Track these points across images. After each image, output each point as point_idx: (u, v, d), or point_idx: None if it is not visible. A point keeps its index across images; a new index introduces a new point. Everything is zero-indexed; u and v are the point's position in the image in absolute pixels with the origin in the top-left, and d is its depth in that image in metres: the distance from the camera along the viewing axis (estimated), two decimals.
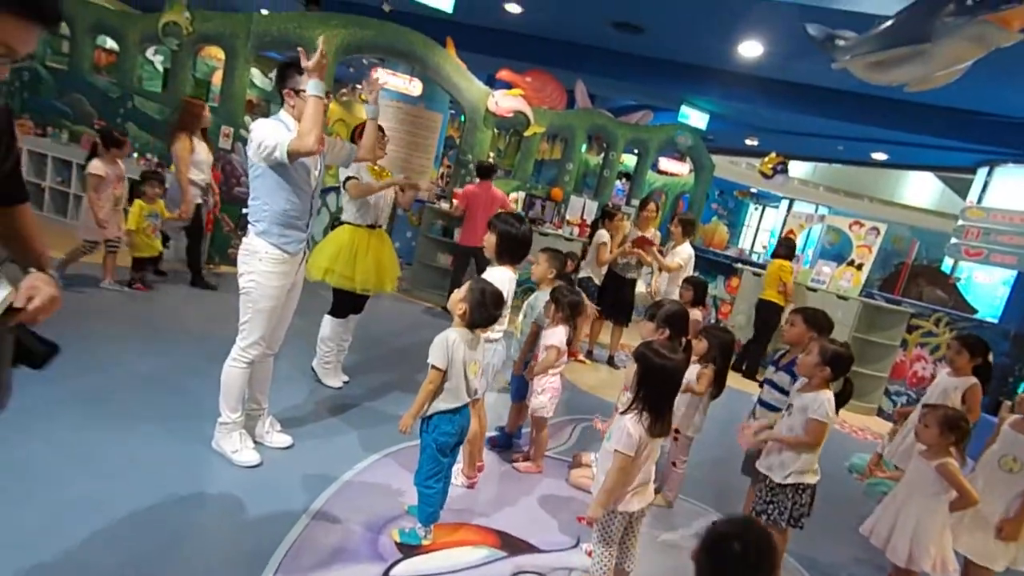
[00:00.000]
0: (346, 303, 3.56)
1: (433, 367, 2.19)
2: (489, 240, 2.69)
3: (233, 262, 5.88)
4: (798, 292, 6.00)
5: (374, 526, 2.38)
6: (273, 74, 9.90)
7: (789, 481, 2.41)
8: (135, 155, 5.85)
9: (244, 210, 2.60)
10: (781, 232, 7.54)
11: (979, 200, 8.29)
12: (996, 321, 6.08)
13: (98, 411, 2.77)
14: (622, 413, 2.05)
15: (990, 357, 3.41)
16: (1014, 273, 6.02)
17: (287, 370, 3.56)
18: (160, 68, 7.66)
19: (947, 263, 8.60)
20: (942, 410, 2.47)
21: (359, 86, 11.36)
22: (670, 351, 2.05)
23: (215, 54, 7.74)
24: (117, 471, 2.38)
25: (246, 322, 2.52)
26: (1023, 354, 5.75)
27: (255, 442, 2.71)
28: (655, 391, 1.99)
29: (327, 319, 3.57)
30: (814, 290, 6.12)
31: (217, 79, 7.35)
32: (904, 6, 3.55)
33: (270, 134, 2.36)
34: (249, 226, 2.50)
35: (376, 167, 3.57)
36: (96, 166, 4.47)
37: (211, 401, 2.63)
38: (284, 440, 2.82)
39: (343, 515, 2.41)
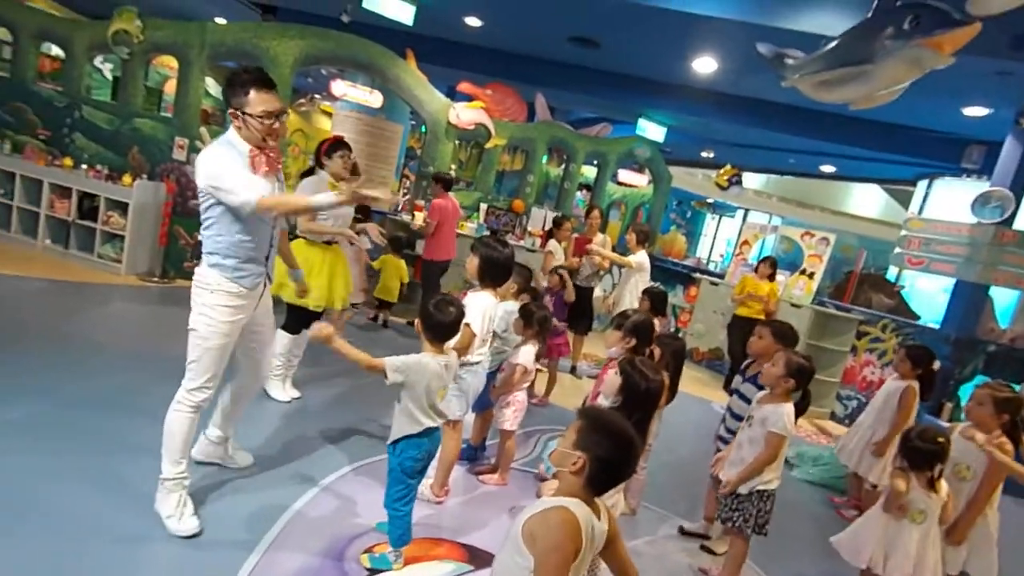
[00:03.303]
0: (300, 319, 3.50)
1: (386, 369, 2.09)
2: (472, 263, 2.68)
3: (190, 275, 5.78)
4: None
5: (338, 545, 2.33)
6: None
7: (755, 488, 2.47)
8: (84, 167, 5.63)
9: (199, 235, 2.32)
10: (737, 241, 7.77)
11: (920, 211, 8.75)
12: (938, 326, 6.39)
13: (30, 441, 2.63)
14: None
15: (934, 366, 3.58)
16: (953, 281, 6.35)
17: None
18: (109, 76, 7.40)
19: (892, 271, 9.02)
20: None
21: (317, 96, 11.21)
22: (653, 372, 2.09)
23: (167, 63, 7.52)
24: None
25: (194, 362, 2.23)
26: (963, 357, 6.06)
27: (212, 464, 2.61)
28: (638, 409, 2.03)
29: (280, 334, 3.50)
30: (797, 306, 6.22)
31: (170, 88, 7.15)
32: (848, 29, 3.75)
33: (231, 178, 2.08)
34: (203, 256, 2.25)
35: (337, 185, 3.50)
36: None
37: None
38: (246, 459, 2.75)
39: (306, 535, 2.35)
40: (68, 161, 5.67)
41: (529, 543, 1.30)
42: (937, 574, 2.42)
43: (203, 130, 5.80)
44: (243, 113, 2.13)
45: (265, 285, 2.38)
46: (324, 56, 6.06)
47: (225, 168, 2.11)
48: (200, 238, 2.27)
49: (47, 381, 3.16)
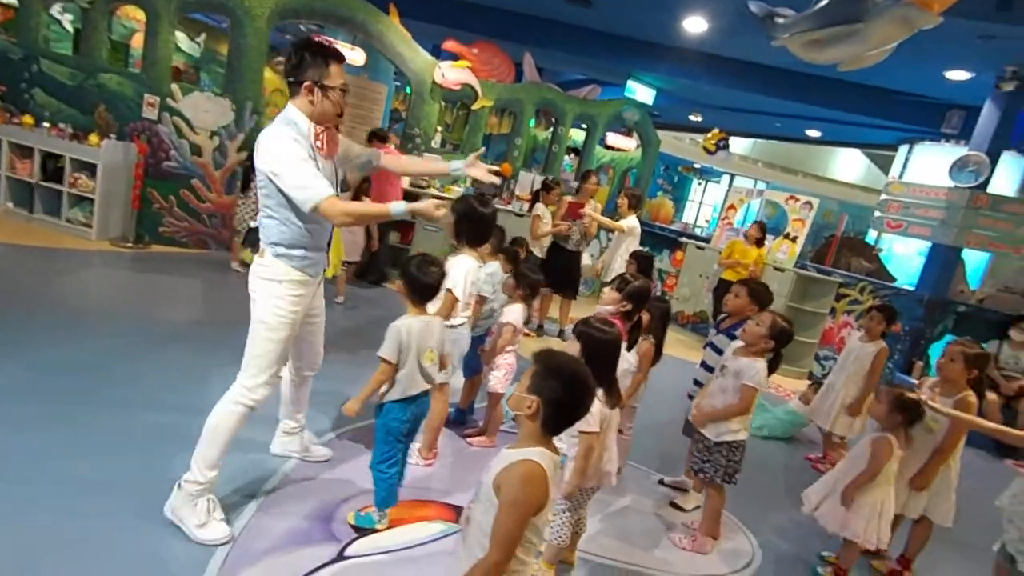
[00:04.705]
0: None
1: (382, 360, 2.16)
2: (448, 221, 2.62)
3: (166, 241, 5.65)
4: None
5: (328, 507, 2.35)
6: (202, 38, 9.26)
7: (723, 439, 2.54)
8: (45, 125, 5.37)
9: (252, 224, 2.23)
10: (723, 205, 7.80)
11: (900, 175, 8.83)
12: (912, 288, 6.54)
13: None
14: None
15: (895, 326, 3.78)
16: (929, 244, 6.47)
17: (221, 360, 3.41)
18: (70, 28, 6.99)
19: (872, 235, 9.16)
20: (898, 390, 2.57)
21: None
22: (606, 324, 2.10)
23: (134, 14, 7.13)
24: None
25: (258, 356, 2.09)
26: (935, 318, 6.24)
27: (291, 457, 2.60)
28: (602, 365, 2.04)
29: None
30: (780, 269, 6.30)
31: (137, 42, 6.80)
32: None
33: (296, 170, 1.93)
34: (264, 246, 2.11)
35: None
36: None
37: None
38: (324, 452, 2.70)
39: (295, 499, 2.36)
40: (28, 119, 5.38)
41: (498, 496, 1.35)
42: None
43: (175, 87, 5.55)
44: (323, 86, 2.00)
45: (322, 272, 2.32)
46: (302, 9, 5.80)
47: (290, 155, 1.94)
48: (258, 225, 2.15)
49: (21, 347, 3.08)
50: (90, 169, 5.27)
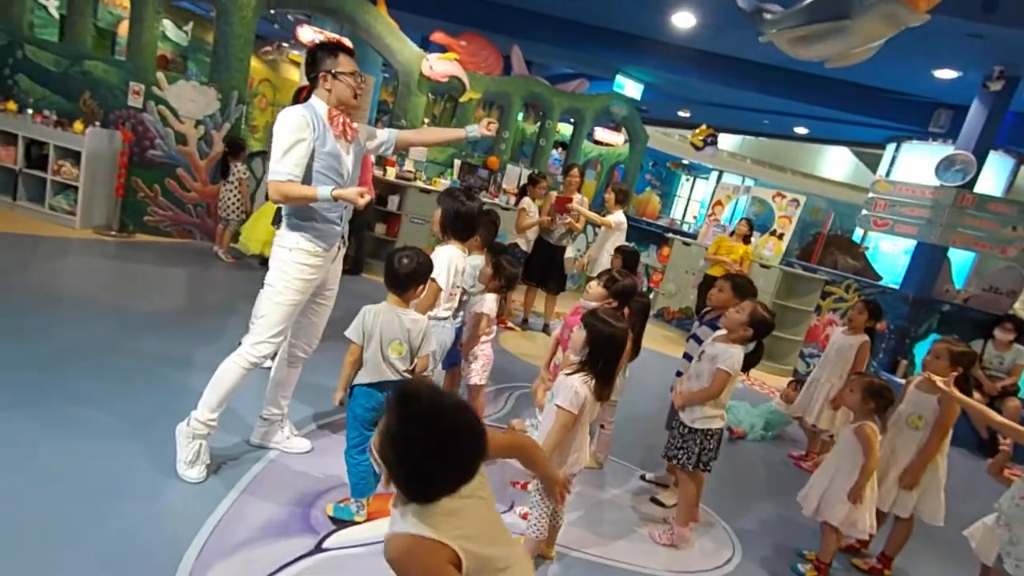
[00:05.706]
0: None
1: (350, 339, 2.21)
2: (435, 215, 2.67)
3: (150, 230, 5.59)
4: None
5: (306, 499, 2.34)
6: (189, 27, 9.15)
7: (697, 426, 2.55)
8: (29, 112, 5.29)
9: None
10: (711, 201, 7.82)
11: (887, 174, 8.89)
12: (898, 287, 6.59)
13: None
14: (569, 374, 2.10)
15: (879, 324, 3.81)
16: (915, 243, 6.52)
17: (196, 345, 3.39)
18: (55, 14, 6.89)
19: (858, 233, 9.23)
20: (868, 378, 2.61)
21: (285, 44, 10.69)
22: (616, 319, 2.10)
23: (119, 1, 7.03)
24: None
25: (263, 316, 2.31)
26: (920, 317, 6.30)
27: (269, 447, 2.64)
28: (604, 357, 2.05)
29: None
30: (767, 266, 6.34)
31: (123, 30, 6.71)
32: None
33: (278, 147, 2.18)
34: (283, 217, 2.35)
35: None
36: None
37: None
38: (304, 445, 2.69)
39: (273, 490, 2.35)
40: (12, 105, 5.30)
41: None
42: None
43: (161, 75, 5.48)
44: (334, 73, 2.27)
45: (340, 248, 2.47)
46: None
47: (283, 135, 2.18)
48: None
49: (2, 332, 3.04)
50: (74, 157, 5.20)
